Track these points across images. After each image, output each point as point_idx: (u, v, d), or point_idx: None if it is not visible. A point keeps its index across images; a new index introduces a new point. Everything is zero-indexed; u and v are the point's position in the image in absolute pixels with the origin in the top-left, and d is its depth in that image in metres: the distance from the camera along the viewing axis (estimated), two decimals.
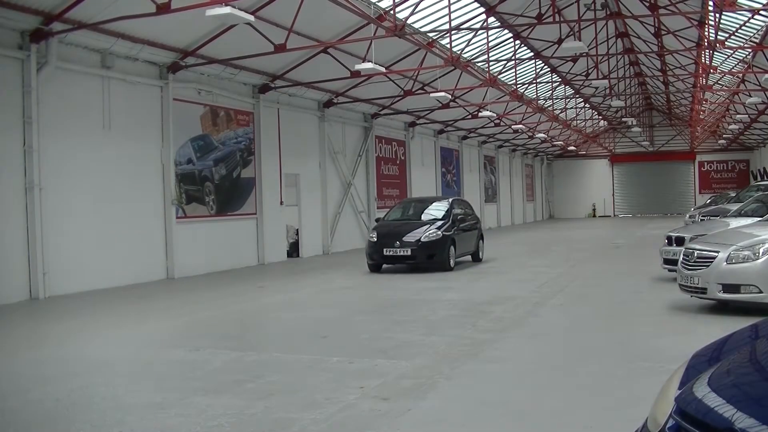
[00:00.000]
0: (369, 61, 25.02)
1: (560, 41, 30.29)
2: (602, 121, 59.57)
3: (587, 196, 74.78)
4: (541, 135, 53.66)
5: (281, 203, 29.64)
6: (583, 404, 8.33)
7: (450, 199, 26.25)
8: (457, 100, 37.36)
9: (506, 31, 31.57)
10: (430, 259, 22.88)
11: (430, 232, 23.09)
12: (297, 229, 31.39)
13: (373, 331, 13.38)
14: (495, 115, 42.82)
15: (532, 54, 35.86)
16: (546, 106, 44.79)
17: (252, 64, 25.83)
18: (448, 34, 27.51)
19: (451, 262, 23.31)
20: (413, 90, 32.97)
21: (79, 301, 18.26)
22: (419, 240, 22.88)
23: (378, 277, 21.86)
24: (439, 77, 32.99)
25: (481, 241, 26.60)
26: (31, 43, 18.67)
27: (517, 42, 33.15)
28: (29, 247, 18.68)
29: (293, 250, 31.03)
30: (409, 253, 22.78)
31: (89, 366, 10.91)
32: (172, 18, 18.67)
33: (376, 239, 23.39)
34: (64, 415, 8.33)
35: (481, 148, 56.21)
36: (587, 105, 51.41)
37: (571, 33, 29.56)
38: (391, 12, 23.08)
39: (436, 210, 25.14)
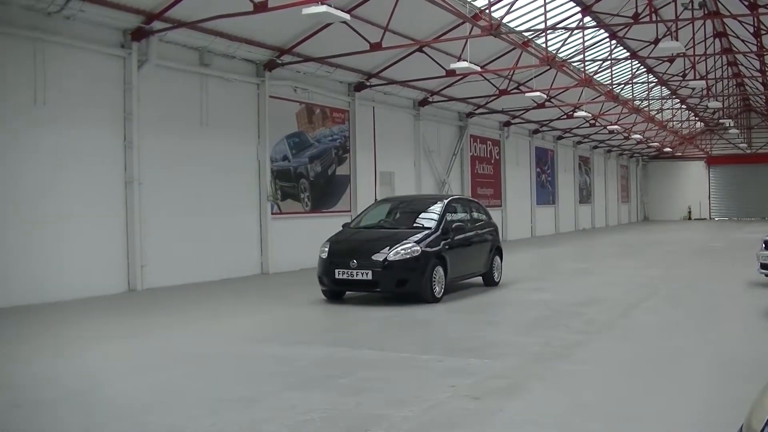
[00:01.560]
0: (464, 60, 24.81)
1: (657, 41, 29.65)
2: (699, 122, 58.46)
3: (683, 198, 73.28)
4: (637, 136, 52.73)
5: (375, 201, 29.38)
6: (675, 408, 8.08)
7: (446, 199, 18.54)
8: (552, 99, 36.91)
9: (602, 30, 31.00)
10: (401, 286, 16.02)
11: (404, 246, 16.05)
12: None
13: (464, 329, 13.31)
14: (590, 115, 42.18)
15: (628, 54, 35.18)
16: (642, 106, 44.01)
17: (347, 62, 25.76)
18: (544, 34, 27.12)
19: (437, 291, 16.24)
20: (508, 89, 32.56)
21: (175, 294, 18.40)
22: (385, 259, 15.90)
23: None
24: (535, 77, 32.61)
25: (497, 258, 19.50)
26: (132, 42, 18.92)
27: (613, 42, 32.59)
28: (128, 240, 18.90)
29: None
30: (369, 276, 15.88)
31: (182, 358, 10.95)
32: (269, 16, 18.63)
33: (326, 255, 16.66)
34: (156, 406, 8.37)
35: (575, 149, 55.53)
36: (684, 106, 50.39)
37: (668, 33, 28.97)
38: (487, 11, 22.89)
39: (424, 214, 18.06)
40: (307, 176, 25.69)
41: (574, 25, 27.97)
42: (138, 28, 18.87)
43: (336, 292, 16.97)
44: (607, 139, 57.59)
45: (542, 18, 25.18)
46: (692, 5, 26.83)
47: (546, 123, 45.00)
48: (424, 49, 26.33)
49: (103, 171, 18.47)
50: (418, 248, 16.07)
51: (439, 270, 16.39)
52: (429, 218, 17.65)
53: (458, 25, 25.27)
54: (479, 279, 19.15)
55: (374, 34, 22.36)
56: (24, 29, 16.57)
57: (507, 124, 42.22)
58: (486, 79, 31.17)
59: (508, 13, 23.61)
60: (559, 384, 9.24)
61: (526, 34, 27.42)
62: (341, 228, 18.39)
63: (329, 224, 26.29)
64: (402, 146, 31.77)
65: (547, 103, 37.09)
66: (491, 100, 35.89)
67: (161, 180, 19.79)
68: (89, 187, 18.06)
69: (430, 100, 32.91)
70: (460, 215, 18.59)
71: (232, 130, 22.41)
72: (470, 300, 16.76)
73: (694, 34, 30.13)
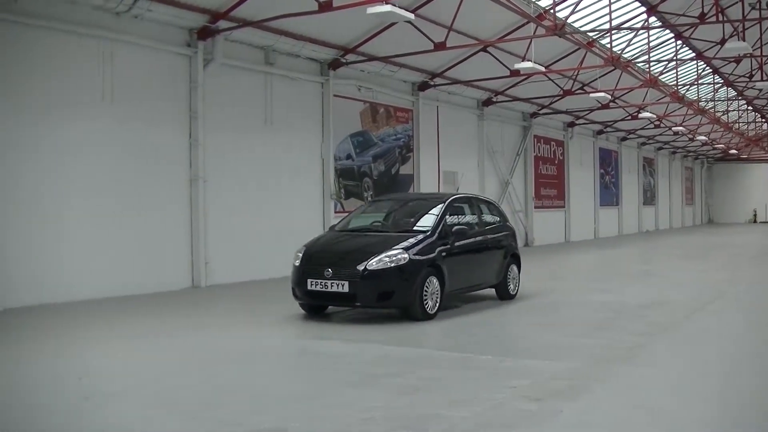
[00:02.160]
0: (528, 60, 24.60)
1: (723, 41, 29.09)
2: (765, 124, 57.44)
3: (748, 200, 72.02)
4: (702, 137, 51.97)
5: None
6: (739, 415, 7.85)
7: (447, 199, 15.58)
8: (616, 100, 36.43)
9: (668, 30, 30.44)
10: (384, 300, 13.45)
11: (389, 253, 13.42)
12: None
13: (525, 330, 13.12)
14: (655, 116, 41.67)
15: (693, 54, 34.54)
16: (707, 108, 43.34)
17: (411, 61, 25.58)
18: (609, 34, 26.79)
19: (429, 306, 13.59)
20: (572, 90, 32.22)
21: (237, 291, 18.39)
22: (364, 268, 13.28)
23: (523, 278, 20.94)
24: (599, 77, 32.14)
25: (513, 267, 16.69)
26: (198, 41, 19.01)
27: (679, 42, 31.93)
28: (192, 237, 18.96)
29: None
30: (345, 288, 13.23)
31: (244, 354, 10.88)
32: (334, 15, 18.58)
33: (299, 263, 14.21)
34: (215, 402, 8.34)
35: (640, 150, 54.72)
36: (750, 107, 49.49)
37: (735, 33, 28.39)
38: (551, 11, 22.63)
39: (420, 215, 15.25)
40: (371, 175, 25.59)
41: (639, 25, 27.55)
42: (204, 27, 18.92)
43: (314, 307, 14.39)
44: (672, 141, 56.73)
45: (607, 18, 24.87)
46: (759, 5, 26.28)
47: (610, 124, 44.41)
48: (488, 48, 26.08)
49: (169, 168, 18.59)
50: (406, 255, 13.46)
51: (433, 281, 13.78)
52: (425, 220, 14.89)
53: (523, 25, 24.98)
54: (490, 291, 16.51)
55: (438, 33, 22.22)
56: (93, 28, 16.76)
57: (571, 124, 41.79)
58: (550, 79, 30.86)
59: (572, 13, 23.37)
60: (621, 386, 9.01)
61: (590, 34, 27.05)
62: (327, 230, 16.31)
63: None
64: (465, 146, 31.50)
65: (611, 104, 36.57)
66: (555, 101, 35.49)
67: (226, 178, 19.82)
68: (155, 183, 18.18)
69: (494, 100, 32.61)
70: (467, 217, 15.87)
71: (296, 128, 22.38)
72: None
73: (761, 35, 29.55)
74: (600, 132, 46.23)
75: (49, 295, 15.61)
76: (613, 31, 26.28)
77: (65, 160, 16.27)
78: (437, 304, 13.80)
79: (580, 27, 27.01)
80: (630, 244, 39.97)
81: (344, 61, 23.50)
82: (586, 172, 44.57)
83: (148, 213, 17.93)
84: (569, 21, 23.97)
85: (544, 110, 37.12)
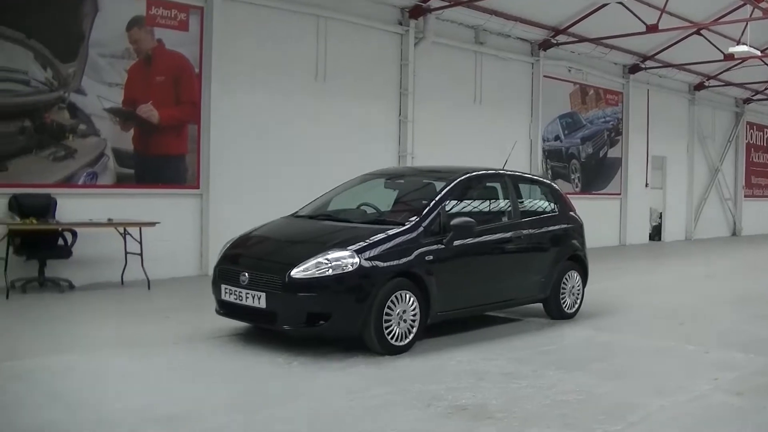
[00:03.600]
0: (743, 44, 23.24)
1: None
2: None
3: None
4: None
5: (646, 185, 28.28)
6: None
7: (458, 177, 10.55)
8: None
9: None
10: (317, 322, 8.77)
11: (329, 257, 8.90)
12: (660, 213, 29.90)
13: (732, 322, 12.21)
14: None
15: None
16: None
17: (622, 43, 24.62)
18: None
19: (395, 334, 9.02)
20: None
21: None
22: (287, 275, 8.85)
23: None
24: None
25: (574, 274, 11.80)
26: (410, 19, 18.95)
27: None
28: None
29: (655, 234, 29.59)
30: (262, 303, 8.97)
31: (445, 329, 10.39)
32: None
33: (217, 261, 10.14)
34: (420, 377, 8.13)
35: None
36: None
37: None
38: None
39: (410, 200, 10.83)
40: (579, 157, 24.93)
41: None
42: (416, 6, 18.83)
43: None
44: None
45: None
46: None
47: None
48: (701, 31, 24.78)
49: (378, 144, 18.65)
50: (356, 260, 8.86)
51: (407, 298, 9.18)
52: (412, 208, 10.23)
53: (738, 7, 23.50)
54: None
55: (650, 15, 21.25)
56: (308, 6, 16.93)
57: None
58: (766, 64, 29.16)
59: None
60: None
61: None
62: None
63: (598, 206, 25.62)
64: (675, 131, 30.17)
65: None
66: None
67: (433, 154, 19.32)
68: (365, 159, 17.96)
69: (706, 84, 31.09)
70: (494, 203, 11.27)
71: (504, 108, 22.00)
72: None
73: None
74: None
75: None
76: None
77: (279, 134, 16.53)
78: (413, 333, 9.27)
79: None
80: None
81: (554, 42, 22.90)
82: None
83: None
84: None
85: (758, 96, 35.13)
